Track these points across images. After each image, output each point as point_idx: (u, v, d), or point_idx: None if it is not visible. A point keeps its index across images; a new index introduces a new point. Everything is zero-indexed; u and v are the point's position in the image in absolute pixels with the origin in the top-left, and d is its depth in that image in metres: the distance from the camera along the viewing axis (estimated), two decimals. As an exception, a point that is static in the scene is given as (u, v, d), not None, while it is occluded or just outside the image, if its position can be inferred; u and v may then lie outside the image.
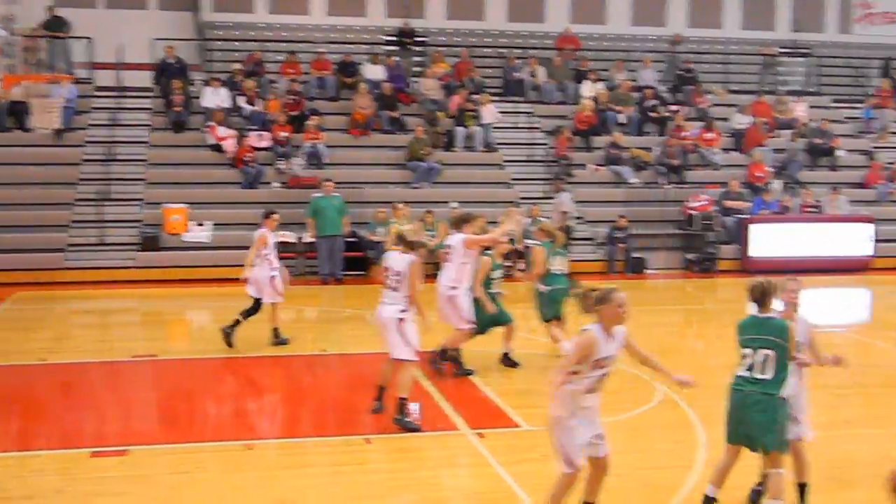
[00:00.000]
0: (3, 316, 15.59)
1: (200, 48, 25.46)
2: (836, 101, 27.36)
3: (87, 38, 23.02)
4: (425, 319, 9.40)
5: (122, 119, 22.24)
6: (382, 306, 9.20)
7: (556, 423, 6.34)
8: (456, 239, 11.14)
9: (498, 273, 11.70)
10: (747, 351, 6.96)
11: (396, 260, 9.19)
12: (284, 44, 25.34)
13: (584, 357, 6.30)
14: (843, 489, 7.85)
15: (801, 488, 7.36)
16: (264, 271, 12.63)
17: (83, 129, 21.93)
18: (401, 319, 9.07)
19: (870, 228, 21.74)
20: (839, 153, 24.61)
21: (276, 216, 12.95)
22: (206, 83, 23.05)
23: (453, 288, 10.93)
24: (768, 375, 6.83)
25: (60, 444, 9.03)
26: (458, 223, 11.37)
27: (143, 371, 12.20)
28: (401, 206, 19.51)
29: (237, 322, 12.62)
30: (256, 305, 12.70)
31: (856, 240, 21.71)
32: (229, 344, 12.51)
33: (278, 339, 12.86)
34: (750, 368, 6.91)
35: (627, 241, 20.90)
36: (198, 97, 22.68)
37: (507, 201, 21.21)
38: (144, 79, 23.46)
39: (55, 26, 23.10)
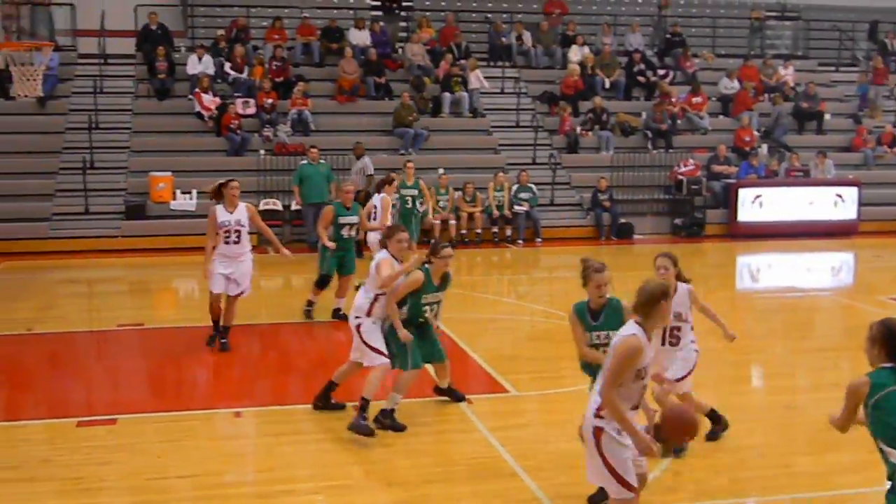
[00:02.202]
0: (-11, 286, 15.52)
1: (184, 14, 25.19)
2: (822, 64, 27.29)
3: (70, 4, 22.75)
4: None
5: (106, 87, 22.02)
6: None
7: (605, 440, 5.50)
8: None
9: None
10: None
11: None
12: (269, 9, 25.11)
13: (630, 366, 5.44)
14: (829, 451, 7.89)
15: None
16: None
17: (66, 97, 21.72)
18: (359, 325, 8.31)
19: (856, 192, 21.77)
20: (826, 117, 24.58)
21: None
22: (191, 50, 22.84)
23: None
24: None
25: (47, 414, 9.03)
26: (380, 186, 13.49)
27: (129, 340, 12.18)
28: (410, 164, 18.79)
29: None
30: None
31: (842, 204, 21.75)
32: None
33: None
34: None
35: (612, 205, 20.89)
36: (182, 64, 22.47)
37: (494, 167, 21.18)
38: (128, 46, 23.21)
39: (37, -7, 22.85)
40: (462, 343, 11.24)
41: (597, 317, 6.88)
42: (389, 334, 8.27)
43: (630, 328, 5.51)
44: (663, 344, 7.66)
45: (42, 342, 11.92)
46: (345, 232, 12.16)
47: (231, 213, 10.80)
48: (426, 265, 8.39)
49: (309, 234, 18.80)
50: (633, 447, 5.48)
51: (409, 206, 17.37)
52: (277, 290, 16.26)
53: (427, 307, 8.42)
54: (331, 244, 12.02)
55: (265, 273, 17.27)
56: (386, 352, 8.20)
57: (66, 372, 10.61)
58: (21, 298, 14.53)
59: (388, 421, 8.24)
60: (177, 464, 7.57)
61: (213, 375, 10.72)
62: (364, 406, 8.06)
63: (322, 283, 12.56)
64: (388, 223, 12.88)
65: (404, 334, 8.14)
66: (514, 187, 20.39)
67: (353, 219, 12.25)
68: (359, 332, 8.27)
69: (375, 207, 13.34)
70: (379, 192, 13.63)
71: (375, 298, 8.24)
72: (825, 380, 10.37)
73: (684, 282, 7.86)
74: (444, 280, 8.47)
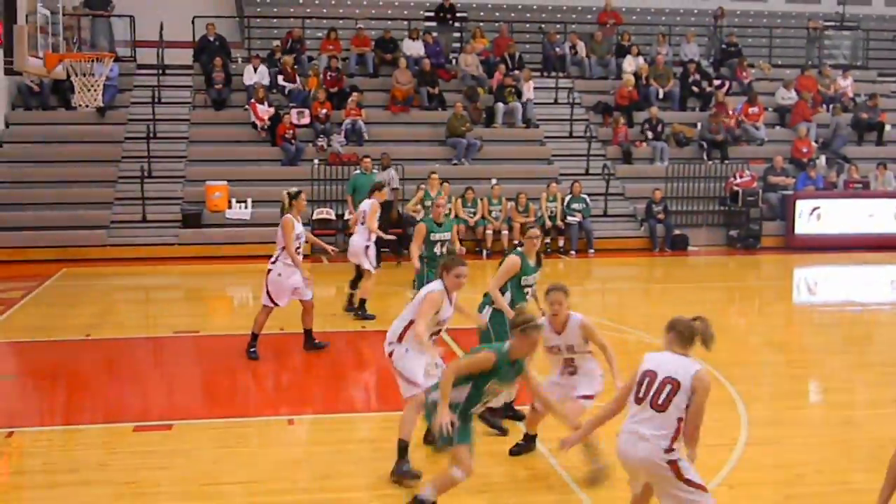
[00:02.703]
0: (49, 292, 15.78)
1: (240, 25, 25.51)
2: (882, 74, 26.85)
3: (129, 16, 23.13)
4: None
5: (164, 97, 22.36)
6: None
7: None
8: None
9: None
10: None
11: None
12: (324, 20, 25.32)
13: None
14: (889, 469, 7.72)
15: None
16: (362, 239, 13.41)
17: (125, 107, 22.09)
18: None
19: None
20: (886, 128, 24.16)
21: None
22: (247, 60, 23.12)
23: None
24: None
25: (104, 419, 9.14)
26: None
27: (185, 346, 12.32)
28: (434, 175, 19.20)
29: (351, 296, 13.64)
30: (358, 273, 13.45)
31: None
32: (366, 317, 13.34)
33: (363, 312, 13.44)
34: None
35: (667, 217, 20.73)
36: (238, 74, 22.74)
37: (547, 178, 21.12)
38: (185, 56, 23.56)
39: (97, 4, 23.24)
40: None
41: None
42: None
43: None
44: (561, 375, 7.59)
45: (100, 348, 12.09)
46: (437, 249, 11.57)
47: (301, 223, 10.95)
48: (518, 248, 8.65)
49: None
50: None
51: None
52: (331, 298, 16.33)
53: (527, 289, 8.58)
54: (417, 264, 11.25)
55: (318, 281, 17.39)
56: (421, 381, 7.33)
57: (122, 378, 10.75)
58: (80, 305, 14.77)
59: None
60: (230, 470, 7.63)
61: (267, 383, 10.79)
62: (403, 449, 7.35)
63: None
64: (375, 227, 13.38)
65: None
66: (567, 198, 20.30)
67: (446, 235, 11.75)
68: (391, 359, 7.54)
69: (364, 213, 13.54)
70: (370, 197, 13.78)
71: (410, 323, 7.40)
72: (884, 395, 10.18)
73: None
74: (539, 260, 8.68)
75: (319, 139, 21.34)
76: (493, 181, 20.39)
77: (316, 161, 20.92)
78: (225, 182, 20.07)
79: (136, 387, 10.34)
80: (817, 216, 20.96)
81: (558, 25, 26.13)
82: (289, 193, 11.09)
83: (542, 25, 26.11)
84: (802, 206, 20.93)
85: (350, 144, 21.33)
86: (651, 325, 12.87)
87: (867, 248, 20.59)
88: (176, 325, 13.24)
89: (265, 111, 21.46)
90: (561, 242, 20.17)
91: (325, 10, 26.35)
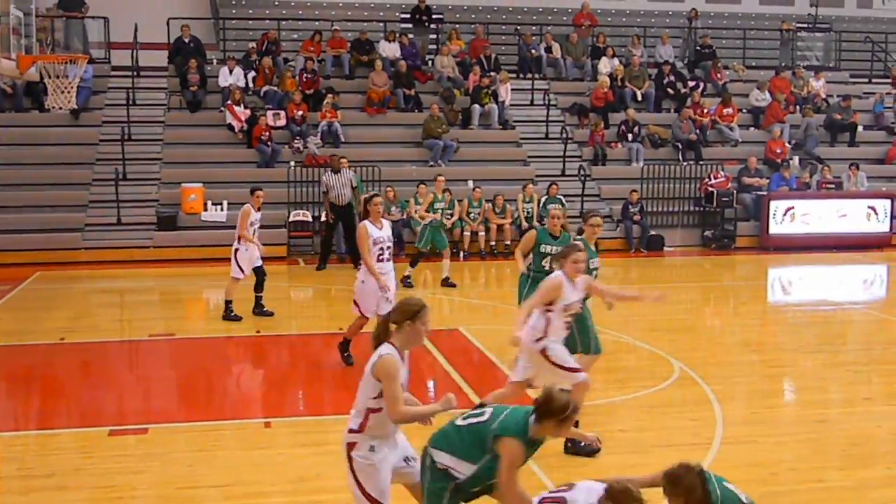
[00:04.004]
0: (23, 296, 15.67)
1: (215, 27, 25.42)
2: (854, 76, 27.09)
3: (104, 17, 22.99)
4: None
5: (139, 99, 22.23)
6: None
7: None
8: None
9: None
10: None
11: None
12: (300, 21, 25.27)
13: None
14: (863, 466, 7.82)
15: None
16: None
17: (100, 109, 21.95)
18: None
19: (888, 205, 21.56)
20: (859, 129, 24.38)
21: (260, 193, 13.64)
22: (222, 62, 23.03)
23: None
24: None
25: (80, 423, 9.11)
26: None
27: (160, 350, 12.26)
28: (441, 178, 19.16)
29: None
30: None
31: (875, 216, 21.55)
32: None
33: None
34: None
35: (643, 217, 20.84)
36: (214, 76, 22.66)
37: (523, 179, 21.17)
38: (160, 58, 23.44)
39: (71, 6, 23.07)
40: (492, 355, 11.23)
41: None
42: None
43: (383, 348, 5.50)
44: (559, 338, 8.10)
45: (74, 352, 12.01)
46: (546, 263, 9.77)
47: (380, 229, 10.45)
48: (579, 236, 9.19)
49: (337, 244, 18.87)
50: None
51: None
52: (307, 300, 16.34)
53: (594, 271, 8.93)
54: (523, 266, 10.24)
55: (295, 284, 17.39)
56: (579, 366, 8.07)
57: (98, 381, 10.70)
58: (54, 308, 14.67)
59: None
60: (207, 473, 7.61)
61: (244, 385, 10.77)
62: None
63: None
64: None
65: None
66: (544, 199, 20.35)
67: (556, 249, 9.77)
68: (545, 356, 7.87)
69: None
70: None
71: (547, 316, 7.88)
72: (857, 394, 10.30)
73: None
74: (597, 247, 9.27)
75: (296, 141, 21.30)
76: (471, 183, 20.42)
77: (292, 163, 20.87)
78: (200, 184, 19.98)
79: (111, 390, 10.29)
80: (791, 216, 21.12)
81: (534, 27, 26.20)
82: (365, 199, 10.82)
83: (518, 27, 26.16)
84: (776, 207, 21.08)
85: (326, 146, 21.29)
86: (628, 326, 12.94)
87: (840, 247, 20.79)
88: (151, 329, 13.19)
89: (242, 113, 21.40)
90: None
91: (300, 12, 26.30)
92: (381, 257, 10.39)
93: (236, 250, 13.22)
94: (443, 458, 5.44)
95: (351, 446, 5.55)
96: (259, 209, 13.40)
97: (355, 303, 10.59)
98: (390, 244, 10.57)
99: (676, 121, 23.25)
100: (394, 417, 5.43)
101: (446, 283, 16.06)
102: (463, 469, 5.41)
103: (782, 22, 28.12)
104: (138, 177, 20.45)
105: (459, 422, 5.60)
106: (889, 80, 26.69)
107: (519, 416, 5.41)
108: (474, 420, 5.54)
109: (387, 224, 10.59)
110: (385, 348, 5.50)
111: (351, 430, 5.57)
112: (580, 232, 9.44)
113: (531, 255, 10.04)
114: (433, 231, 16.48)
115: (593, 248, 9.09)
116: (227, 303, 13.28)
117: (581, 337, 8.77)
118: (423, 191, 19.19)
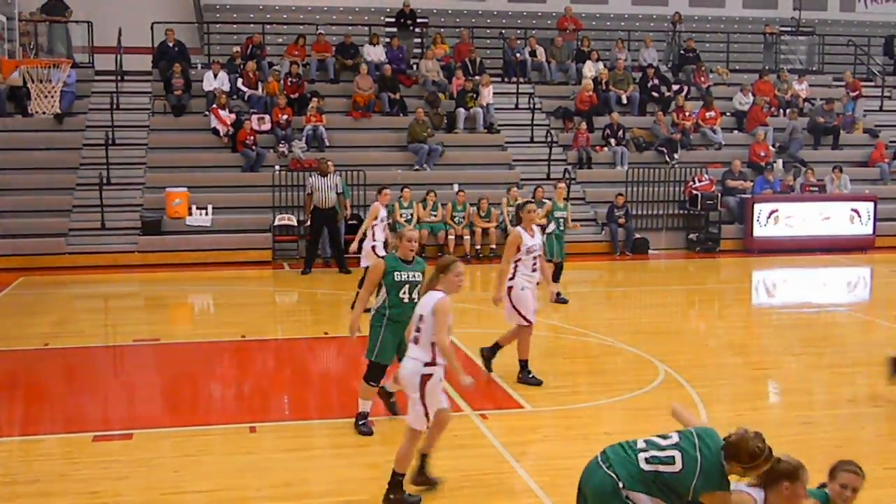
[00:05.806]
0: (6, 301, 15.59)
1: (200, 31, 25.38)
2: (837, 79, 27.25)
3: (87, 21, 22.92)
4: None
5: (123, 103, 22.15)
6: None
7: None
8: None
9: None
10: None
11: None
12: (284, 26, 25.23)
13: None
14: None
15: None
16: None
17: (83, 113, 21.86)
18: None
19: (871, 207, 21.69)
20: (842, 132, 24.51)
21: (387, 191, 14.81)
22: (206, 66, 22.98)
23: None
24: None
25: (64, 429, 9.06)
26: None
27: (145, 355, 12.22)
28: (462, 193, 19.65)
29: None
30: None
31: (858, 219, 21.67)
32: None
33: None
34: None
35: (628, 221, 20.89)
36: (198, 80, 22.61)
37: (508, 182, 21.19)
38: (144, 62, 23.37)
39: (55, 10, 22.97)
40: (476, 358, 11.23)
41: None
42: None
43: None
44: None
45: (58, 357, 11.97)
46: (403, 294, 8.59)
47: (532, 237, 10.15)
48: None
49: (322, 249, 18.84)
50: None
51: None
52: (292, 305, 16.31)
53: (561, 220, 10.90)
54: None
55: (280, 288, 17.36)
56: (533, 320, 9.96)
57: (82, 387, 10.66)
58: (38, 313, 14.60)
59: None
60: (193, 478, 7.59)
61: (229, 390, 10.74)
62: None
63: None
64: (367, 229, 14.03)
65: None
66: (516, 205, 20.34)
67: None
68: (509, 296, 9.91)
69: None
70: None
71: (516, 267, 9.96)
72: (841, 396, 10.34)
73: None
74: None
75: (281, 145, 21.27)
76: (456, 187, 20.44)
77: (277, 167, 20.84)
78: (185, 189, 19.92)
79: (95, 396, 10.26)
80: (775, 219, 21.22)
81: (518, 31, 26.25)
82: (518, 206, 10.70)
83: (503, 31, 26.22)
84: (760, 210, 21.18)
85: (311, 150, 21.27)
86: (613, 328, 12.97)
87: (823, 250, 20.89)
88: (136, 333, 13.13)
89: (227, 117, 21.36)
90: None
91: (285, 16, 26.27)
92: (534, 267, 10.13)
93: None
94: (639, 499, 5.39)
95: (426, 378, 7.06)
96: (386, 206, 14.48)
97: (517, 311, 10.06)
98: (541, 252, 10.31)
99: (654, 123, 23.33)
100: (441, 343, 7.02)
101: None
102: None
103: (766, 25, 28.27)
104: (122, 181, 20.38)
105: (644, 465, 5.40)
106: (871, 84, 26.87)
107: (713, 462, 5.37)
108: (663, 468, 5.38)
109: (538, 231, 10.34)
110: (438, 293, 7.17)
111: (426, 364, 7.08)
112: (519, 220, 10.16)
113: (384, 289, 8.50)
114: None
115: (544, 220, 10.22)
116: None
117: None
118: (408, 195, 19.21)
